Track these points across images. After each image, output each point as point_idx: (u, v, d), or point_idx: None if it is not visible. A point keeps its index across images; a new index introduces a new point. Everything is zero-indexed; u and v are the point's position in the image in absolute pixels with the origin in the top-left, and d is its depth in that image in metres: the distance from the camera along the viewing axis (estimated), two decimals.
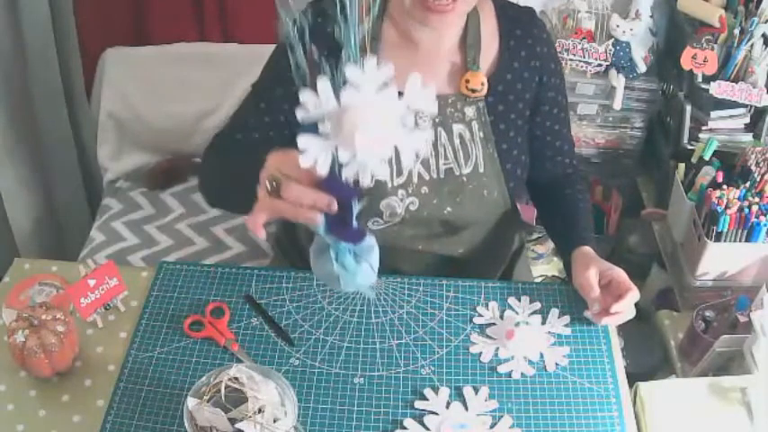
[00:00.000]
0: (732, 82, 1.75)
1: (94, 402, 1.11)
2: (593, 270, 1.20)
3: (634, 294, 1.17)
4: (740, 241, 1.54)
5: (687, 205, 1.65)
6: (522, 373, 1.15)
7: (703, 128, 1.83)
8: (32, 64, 1.91)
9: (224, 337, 1.18)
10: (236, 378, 0.99)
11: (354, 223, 0.90)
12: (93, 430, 1.07)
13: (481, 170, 1.26)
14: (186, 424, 0.97)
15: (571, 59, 1.94)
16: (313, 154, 0.81)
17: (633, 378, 1.19)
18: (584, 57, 1.93)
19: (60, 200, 2.16)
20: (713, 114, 1.82)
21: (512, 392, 1.13)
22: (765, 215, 1.52)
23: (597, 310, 1.20)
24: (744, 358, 1.27)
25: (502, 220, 1.33)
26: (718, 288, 1.59)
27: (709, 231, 1.54)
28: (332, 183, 0.86)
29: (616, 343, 1.21)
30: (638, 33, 1.91)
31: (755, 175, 1.62)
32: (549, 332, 1.21)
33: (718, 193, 1.55)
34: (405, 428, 1.08)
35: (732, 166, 1.70)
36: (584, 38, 1.93)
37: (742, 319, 1.39)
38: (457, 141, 1.25)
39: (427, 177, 1.24)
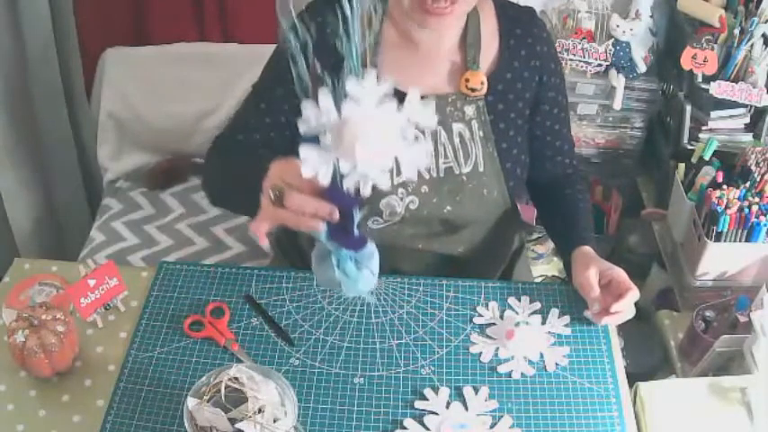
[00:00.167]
0: (732, 82, 1.75)
1: (94, 402, 1.11)
2: (592, 270, 1.20)
3: (634, 294, 1.17)
4: (740, 241, 1.54)
5: (687, 205, 1.65)
6: (522, 373, 1.15)
7: (703, 128, 1.83)
8: (32, 64, 1.92)
9: (224, 337, 1.18)
10: (236, 378, 0.99)
11: (356, 231, 0.92)
12: (93, 430, 1.07)
13: (481, 169, 1.26)
14: (186, 424, 0.97)
15: (571, 59, 1.94)
16: (314, 165, 0.82)
17: (633, 378, 1.19)
18: (584, 57, 1.93)
19: (60, 200, 2.16)
20: (713, 114, 1.82)
21: (512, 392, 1.13)
22: (765, 215, 1.52)
23: (597, 309, 1.20)
24: (744, 358, 1.27)
25: (502, 219, 1.33)
26: (718, 288, 1.59)
27: (709, 231, 1.54)
28: (333, 192, 0.87)
29: (616, 343, 1.21)
30: (638, 33, 1.91)
31: (755, 175, 1.62)
32: (549, 332, 1.21)
33: (718, 193, 1.55)
34: (405, 428, 1.08)
35: (732, 166, 1.70)
36: (584, 38, 1.93)
37: (742, 319, 1.39)
38: (457, 140, 1.25)
39: (427, 176, 1.24)
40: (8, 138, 1.89)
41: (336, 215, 0.90)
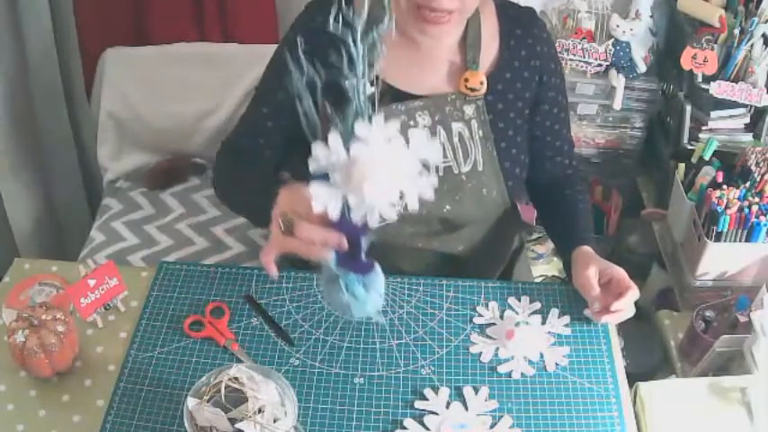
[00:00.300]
0: (732, 82, 1.74)
1: (94, 402, 1.11)
2: (592, 269, 1.20)
3: (634, 292, 1.17)
4: (740, 241, 1.54)
5: (687, 205, 1.65)
6: (522, 373, 1.15)
7: (703, 128, 1.83)
8: (32, 64, 1.92)
9: (224, 337, 1.18)
10: (236, 378, 0.99)
11: (363, 257, 0.96)
12: (93, 430, 1.07)
13: (480, 168, 1.26)
14: (186, 424, 0.97)
15: (571, 59, 1.93)
16: (324, 200, 0.87)
17: (633, 378, 1.19)
18: (584, 57, 1.93)
19: (60, 200, 2.16)
20: (713, 114, 1.82)
21: (512, 392, 1.13)
22: (765, 215, 1.52)
23: (597, 308, 1.20)
24: (744, 358, 1.27)
25: (501, 219, 1.33)
26: (718, 288, 1.59)
27: (709, 231, 1.54)
28: (342, 222, 0.92)
29: (616, 343, 1.21)
30: (638, 33, 1.91)
31: (755, 175, 1.62)
32: (549, 332, 1.21)
33: (718, 193, 1.55)
34: (405, 428, 1.08)
35: (732, 166, 1.70)
36: (584, 38, 1.93)
37: (742, 319, 1.39)
38: (456, 140, 1.25)
39: None
40: (8, 138, 1.89)
41: (345, 244, 0.94)
